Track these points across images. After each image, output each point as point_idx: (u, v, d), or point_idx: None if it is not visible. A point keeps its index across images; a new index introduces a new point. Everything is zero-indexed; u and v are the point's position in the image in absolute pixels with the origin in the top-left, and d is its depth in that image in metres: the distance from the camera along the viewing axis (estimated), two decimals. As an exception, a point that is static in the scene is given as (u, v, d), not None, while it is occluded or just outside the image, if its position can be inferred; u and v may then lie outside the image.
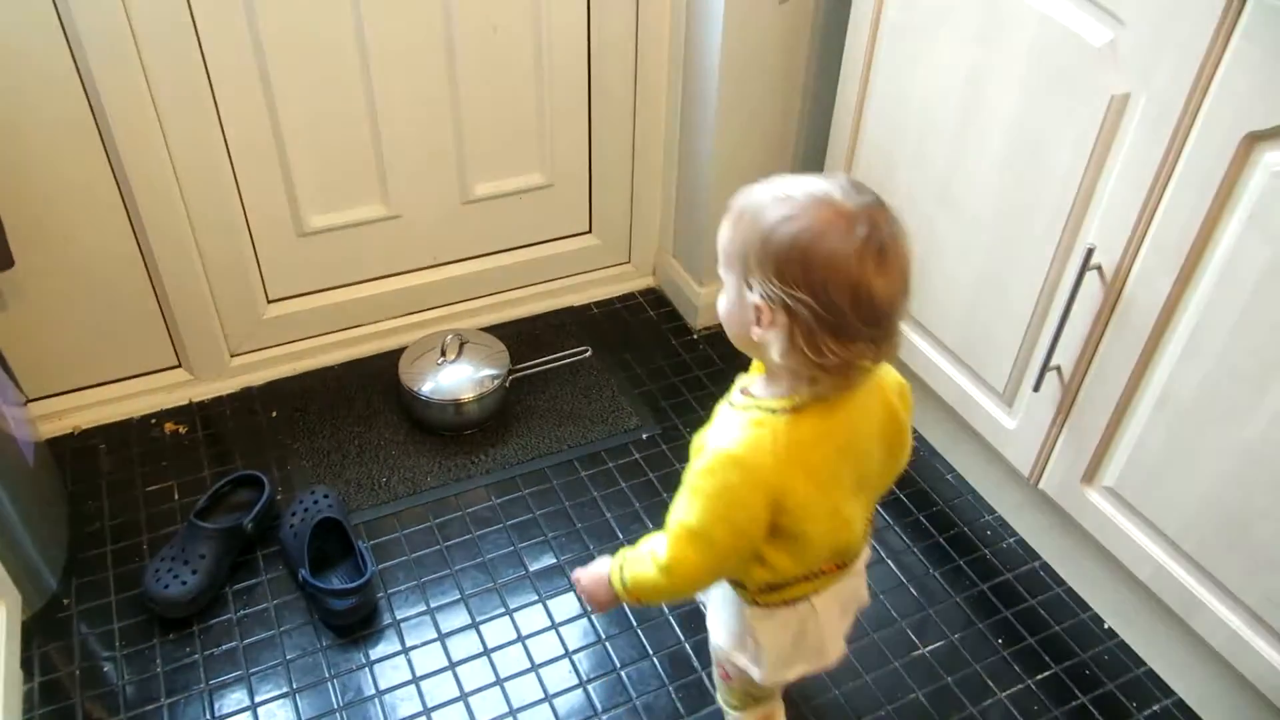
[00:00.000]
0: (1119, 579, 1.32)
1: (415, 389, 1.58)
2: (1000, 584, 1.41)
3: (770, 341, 0.77)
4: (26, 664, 1.24)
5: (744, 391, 0.87)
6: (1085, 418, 1.25)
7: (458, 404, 1.58)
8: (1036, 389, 1.28)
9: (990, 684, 1.28)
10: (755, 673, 0.97)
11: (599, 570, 0.95)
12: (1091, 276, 1.17)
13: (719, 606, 1.00)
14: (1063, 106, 1.16)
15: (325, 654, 1.28)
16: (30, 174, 1.35)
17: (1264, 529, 1.07)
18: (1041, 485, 1.35)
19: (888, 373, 0.90)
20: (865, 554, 0.99)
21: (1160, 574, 1.21)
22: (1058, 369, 1.26)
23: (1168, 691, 1.28)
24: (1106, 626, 1.36)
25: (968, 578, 1.41)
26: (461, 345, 1.66)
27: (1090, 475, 1.27)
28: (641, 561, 0.89)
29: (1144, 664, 1.31)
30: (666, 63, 1.69)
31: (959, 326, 1.42)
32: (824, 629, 0.95)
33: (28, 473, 1.32)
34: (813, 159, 1.72)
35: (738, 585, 0.93)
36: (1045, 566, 1.43)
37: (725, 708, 1.18)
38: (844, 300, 0.73)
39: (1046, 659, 1.31)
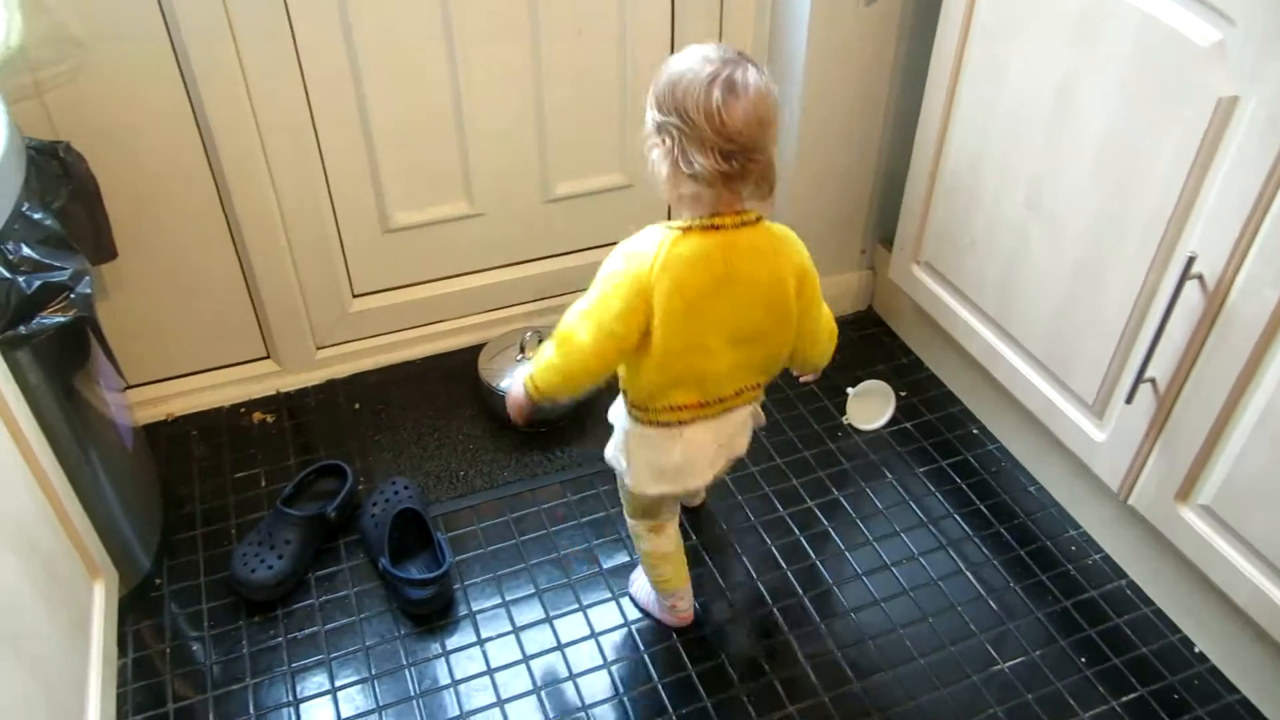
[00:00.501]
0: (1212, 602, 1.27)
1: (494, 384, 1.60)
2: (1084, 601, 1.37)
3: (659, 164, 0.97)
4: (120, 641, 1.29)
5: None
6: (1181, 432, 1.20)
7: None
8: (1129, 401, 1.24)
9: (1072, 703, 1.24)
10: (627, 480, 1.15)
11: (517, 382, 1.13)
12: (1191, 286, 1.13)
13: (614, 422, 1.16)
14: (1164, 110, 1.13)
15: (403, 642, 1.30)
16: (135, 172, 1.40)
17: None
18: (1131, 501, 1.31)
19: (795, 253, 1.05)
20: (746, 410, 1.13)
21: (1258, 598, 1.16)
22: (1152, 381, 1.22)
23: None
24: (1197, 650, 1.31)
25: (1050, 593, 1.37)
26: (540, 342, 1.67)
27: (1185, 493, 1.23)
28: (542, 352, 1.07)
29: (1237, 691, 1.26)
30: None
31: (1046, 335, 1.39)
32: (686, 458, 1.10)
33: (126, 457, 1.37)
34: (896, 162, 1.70)
35: (626, 403, 1.11)
36: (1132, 585, 1.39)
37: (626, 516, 1.27)
38: (700, 118, 0.92)
39: (1133, 680, 1.27)
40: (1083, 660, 1.29)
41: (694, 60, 0.94)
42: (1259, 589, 1.15)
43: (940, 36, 1.45)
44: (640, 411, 1.08)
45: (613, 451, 1.17)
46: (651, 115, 0.97)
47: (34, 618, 0.97)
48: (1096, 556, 1.43)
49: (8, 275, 1.02)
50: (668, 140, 0.95)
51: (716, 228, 0.98)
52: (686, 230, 0.98)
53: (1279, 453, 1.09)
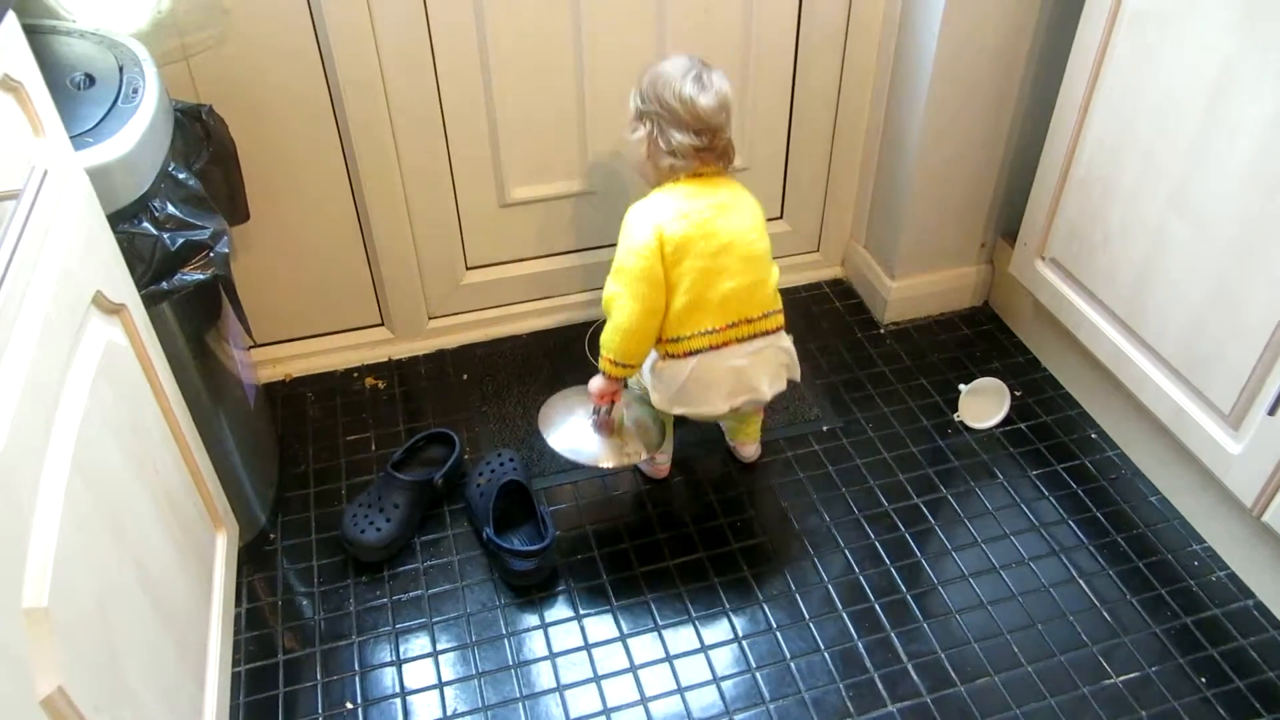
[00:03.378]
0: (1351, 630, 1.20)
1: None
2: (1206, 619, 1.30)
3: (641, 143, 1.28)
4: (236, 591, 1.34)
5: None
6: (1328, 449, 1.13)
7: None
8: (1272, 413, 1.17)
9: (1190, 726, 1.19)
10: (654, 397, 1.34)
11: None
12: (1351, 295, 1.06)
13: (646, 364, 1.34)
14: (1335, 105, 1.05)
15: (503, 611, 1.32)
16: (270, 138, 1.45)
17: None
18: (1266, 518, 1.24)
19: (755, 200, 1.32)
20: (767, 343, 1.30)
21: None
22: (1300, 394, 1.15)
23: (1400, 760, 1.16)
24: (1330, 680, 1.24)
25: (1169, 608, 1.31)
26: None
27: (1328, 513, 1.16)
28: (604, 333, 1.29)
29: (1373, 726, 1.19)
30: (876, 47, 1.64)
31: (1182, 339, 1.32)
32: (705, 385, 1.28)
33: (249, 414, 1.42)
34: (1025, 154, 1.64)
35: (656, 344, 1.29)
36: (1260, 606, 1.32)
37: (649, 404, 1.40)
38: (675, 103, 1.22)
39: (1258, 706, 1.21)
40: (1202, 680, 1.23)
41: (670, 64, 1.24)
42: None
43: (1085, 21, 1.39)
44: (670, 344, 1.27)
45: (646, 374, 1.35)
46: (636, 105, 1.27)
47: (169, 568, 1.01)
48: (1221, 574, 1.36)
49: (154, 231, 1.06)
50: (649, 124, 1.25)
51: (699, 175, 1.26)
52: (676, 181, 1.26)
53: None
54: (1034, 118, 1.60)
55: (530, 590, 1.34)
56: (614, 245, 1.77)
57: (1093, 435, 1.57)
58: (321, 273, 1.63)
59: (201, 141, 1.27)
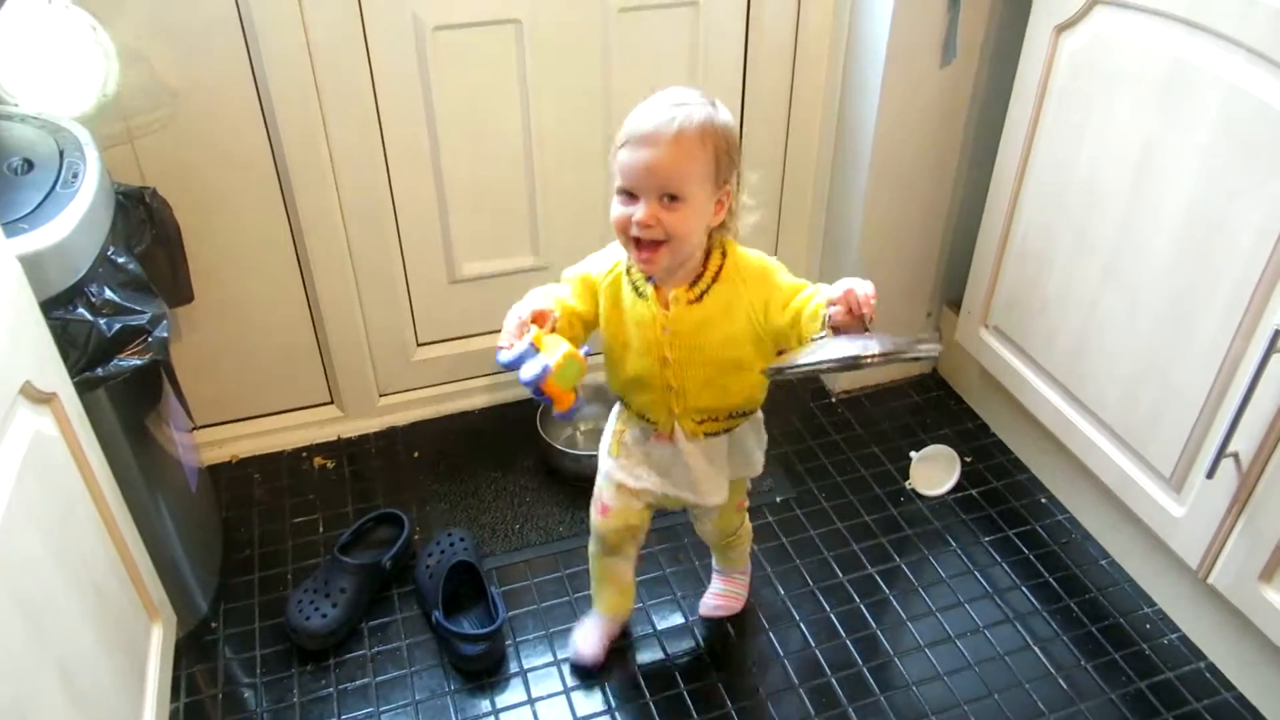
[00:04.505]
0: (1301, 691, 1.20)
1: (551, 439, 1.60)
2: (1160, 683, 1.30)
3: (722, 217, 1.03)
4: (174, 684, 1.29)
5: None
6: (1266, 510, 1.15)
7: (592, 456, 1.59)
8: (1210, 475, 1.19)
9: (1150, 794, 1.18)
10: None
11: None
12: (1279, 359, 1.09)
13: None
14: (1250, 180, 1.10)
15: (453, 698, 1.28)
16: (216, 219, 1.45)
17: None
18: (1211, 580, 1.25)
19: None
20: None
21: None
22: (1235, 455, 1.17)
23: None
24: (1284, 742, 1.24)
25: (1124, 673, 1.31)
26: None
27: (1270, 573, 1.17)
28: None
29: (1328, 788, 1.19)
30: (819, 123, 1.68)
31: (1122, 405, 1.35)
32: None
33: (190, 498, 1.39)
34: (966, 225, 1.68)
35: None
36: (1212, 668, 1.32)
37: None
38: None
39: (1215, 772, 1.20)
40: (1160, 748, 1.23)
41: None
42: (1354, 681, 1.09)
43: (1015, 99, 1.44)
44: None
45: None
46: (730, 169, 1.00)
47: (92, 659, 0.97)
48: (1173, 636, 1.36)
49: (89, 317, 1.04)
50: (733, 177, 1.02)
51: None
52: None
53: (1375, 537, 1.04)
54: (974, 190, 1.65)
55: (481, 674, 1.31)
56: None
57: (1042, 500, 1.58)
58: (268, 352, 1.61)
59: (144, 224, 1.26)
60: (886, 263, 1.71)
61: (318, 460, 1.66)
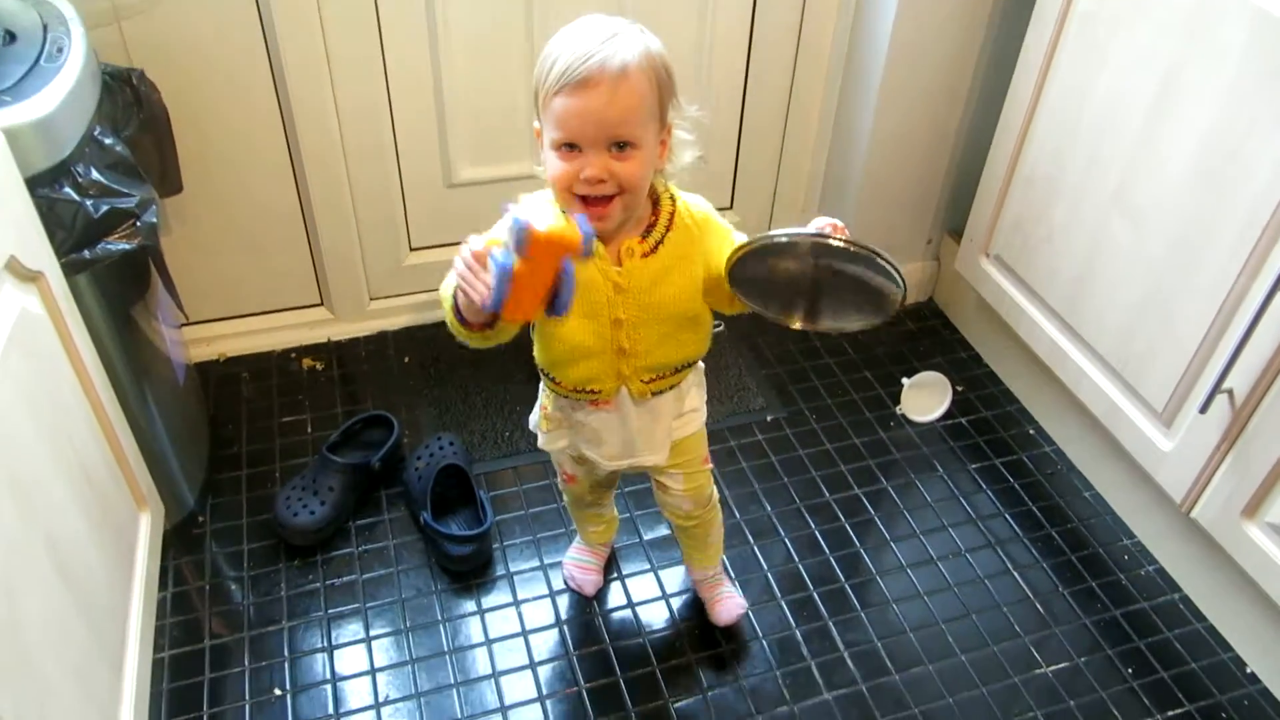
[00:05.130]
0: (1271, 622, 1.23)
1: (544, 348, 1.59)
2: (1135, 612, 1.33)
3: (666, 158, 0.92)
4: (162, 575, 1.29)
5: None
6: (1255, 446, 1.16)
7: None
8: (1203, 411, 1.19)
9: (1115, 712, 1.21)
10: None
11: None
12: (1283, 295, 1.09)
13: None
14: (1273, 110, 1.07)
15: (439, 597, 1.30)
16: (205, 107, 1.40)
17: None
18: (1194, 514, 1.26)
19: None
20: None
21: (1323, 623, 1.12)
22: (1229, 392, 1.17)
23: (1314, 750, 1.19)
24: (1249, 671, 1.27)
25: (1099, 601, 1.34)
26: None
27: (1253, 509, 1.18)
28: None
29: (1289, 716, 1.22)
30: (830, 42, 1.64)
31: (1119, 337, 1.34)
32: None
33: (178, 392, 1.38)
34: (973, 152, 1.65)
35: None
36: (1186, 600, 1.35)
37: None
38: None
39: (1180, 695, 1.23)
40: (1129, 671, 1.26)
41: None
42: (1326, 615, 1.11)
43: (1035, 21, 1.40)
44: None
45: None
46: (674, 106, 0.91)
47: (83, 544, 0.97)
48: (1150, 568, 1.39)
49: (76, 198, 1.02)
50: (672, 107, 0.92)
51: None
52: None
53: (1361, 475, 1.05)
54: (983, 116, 1.61)
55: (467, 576, 1.32)
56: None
57: (1031, 431, 1.59)
58: (258, 249, 1.58)
59: (131, 107, 1.22)
60: (889, 187, 1.68)
61: (307, 361, 1.64)
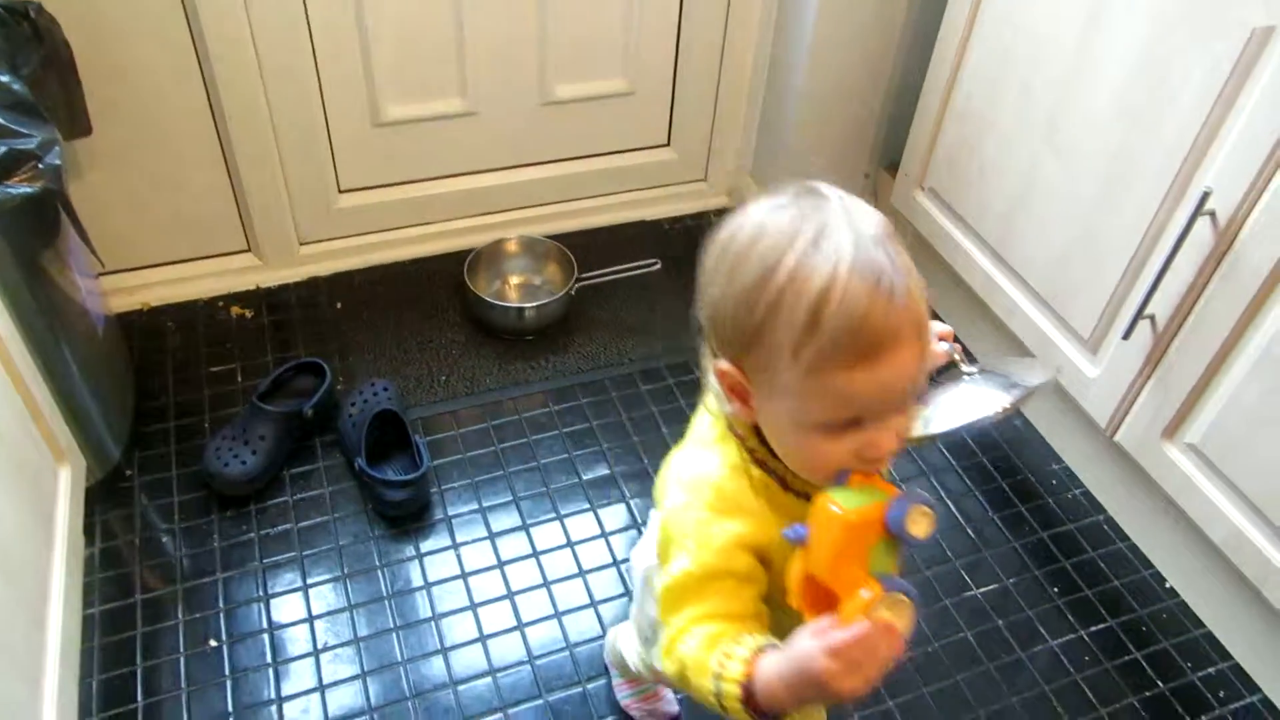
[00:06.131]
0: (1189, 539, 1.27)
1: (480, 291, 1.56)
2: (1061, 534, 1.37)
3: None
4: (88, 530, 1.26)
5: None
6: (1175, 371, 1.19)
7: (521, 309, 1.57)
8: (1126, 337, 1.22)
9: (1042, 630, 1.25)
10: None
11: None
12: (1203, 222, 1.11)
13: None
14: (1196, 38, 1.08)
15: (377, 543, 1.29)
16: (113, 44, 1.33)
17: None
18: (1118, 438, 1.30)
19: None
20: None
21: (1235, 537, 1.16)
22: (1151, 318, 1.20)
23: (1226, 655, 1.25)
24: (1168, 585, 1.32)
25: (1028, 524, 1.37)
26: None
27: (1172, 431, 1.22)
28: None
29: (1203, 626, 1.27)
30: (761, -31, 1.61)
31: (1048, 268, 1.36)
32: None
33: (97, 344, 1.33)
34: (911, 86, 1.64)
35: None
36: (1110, 520, 1.39)
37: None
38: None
39: (1102, 611, 1.28)
40: (1055, 590, 1.30)
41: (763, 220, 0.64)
42: (1236, 527, 1.15)
43: (963, -52, 1.39)
44: None
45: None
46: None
47: (-3, 497, 0.94)
48: (1077, 491, 1.43)
49: (-29, 139, 0.96)
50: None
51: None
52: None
53: (1271, 396, 1.08)
54: (918, 49, 1.60)
55: (405, 521, 1.31)
56: (497, 170, 1.73)
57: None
58: (179, 194, 1.53)
59: (30, 43, 1.16)
60: (826, 121, 1.67)
61: (235, 310, 1.60)
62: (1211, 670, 1.23)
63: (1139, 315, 1.19)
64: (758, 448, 0.68)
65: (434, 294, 1.64)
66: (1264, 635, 1.21)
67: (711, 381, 0.69)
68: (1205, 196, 1.09)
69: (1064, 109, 1.28)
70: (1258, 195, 1.05)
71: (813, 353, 0.59)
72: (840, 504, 0.60)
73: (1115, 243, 1.24)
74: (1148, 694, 1.20)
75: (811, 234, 0.60)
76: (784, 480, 0.69)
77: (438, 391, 1.49)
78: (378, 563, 1.26)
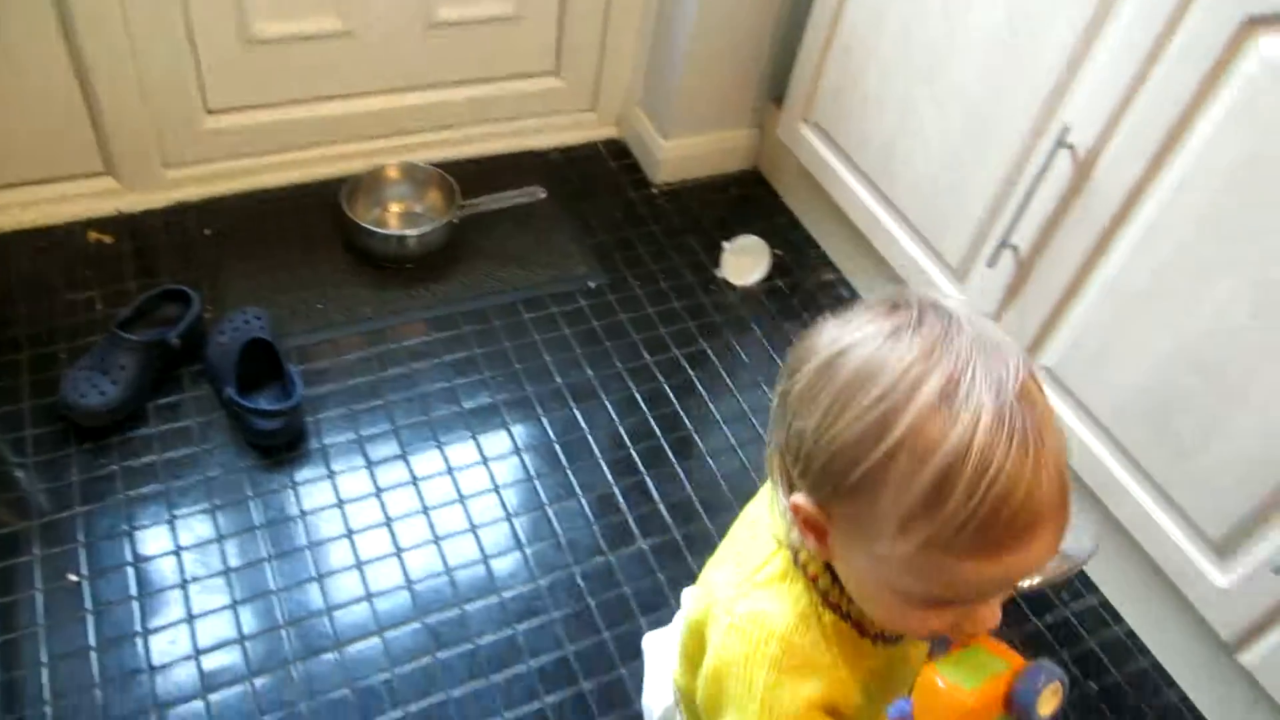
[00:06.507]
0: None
1: (358, 218, 1.52)
2: (930, 457, 1.43)
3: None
4: (-67, 464, 1.20)
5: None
6: (1034, 297, 1.24)
7: (401, 236, 1.53)
8: (991, 265, 1.26)
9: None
10: None
11: None
12: (1063, 155, 1.15)
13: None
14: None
15: (249, 474, 1.25)
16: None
17: (1185, 421, 1.09)
18: (982, 362, 1.35)
19: None
20: None
21: (1085, 453, 1.23)
22: (1015, 247, 1.25)
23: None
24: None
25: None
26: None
27: (1033, 354, 1.27)
28: None
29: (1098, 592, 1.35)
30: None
31: (923, 200, 1.40)
32: None
33: (-63, 266, 1.25)
34: (798, 19, 1.65)
35: None
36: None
37: None
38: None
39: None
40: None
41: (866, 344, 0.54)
42: (1087, 446, 1.22)
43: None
44: None
45: None
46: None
47: None
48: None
49: None
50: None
51: None
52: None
53: (1120, 322, 1.14)
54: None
55: (278, 451, 1.27)
56: (377, 94, 1.66)
57: (844, 293, 1.65)
58: (24, 110, 1.42)
59: None
60: (715, 53, 1.66)
61: (93, 235, 1.51)
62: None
63: (1002, 244, 1.24)
64: (830, 589, 0.58)
65: (311, 221, 1.59)
66: (1105, 540, 1.29)
67: (780, 500, 0.58)
68: (1065, 131, 1.13)
69: (940, 49, 1.30)
70: (1112, 131, 1.10)
71: (926, 533, 0.48)
72: (954, 681, 0.51)
73: (984, 176, 1.27)
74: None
75: (939, 381, 0.48)
76: (860, 624, 0.59)
77: (314, 319, 1.44)
78: (249, 493, 1.23)
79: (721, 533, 1.25)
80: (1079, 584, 1.30)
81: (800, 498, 0.55)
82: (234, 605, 1.13)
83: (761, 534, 0.63)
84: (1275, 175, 0.96)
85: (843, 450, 0.50)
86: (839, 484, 0.51)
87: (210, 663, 1.08)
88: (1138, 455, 1.16)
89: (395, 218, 1.61)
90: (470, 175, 1.65)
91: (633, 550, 1.24)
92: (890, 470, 0.49)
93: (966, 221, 1.32)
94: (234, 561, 1.17)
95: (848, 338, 0.52)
